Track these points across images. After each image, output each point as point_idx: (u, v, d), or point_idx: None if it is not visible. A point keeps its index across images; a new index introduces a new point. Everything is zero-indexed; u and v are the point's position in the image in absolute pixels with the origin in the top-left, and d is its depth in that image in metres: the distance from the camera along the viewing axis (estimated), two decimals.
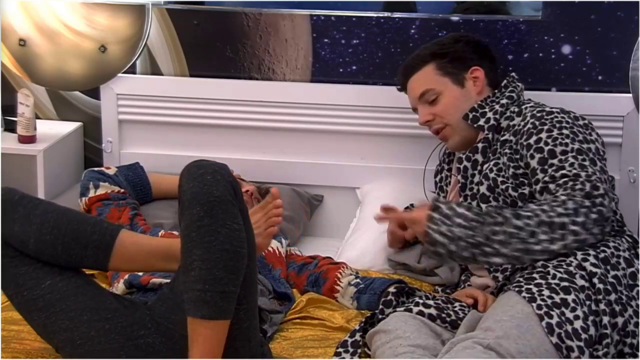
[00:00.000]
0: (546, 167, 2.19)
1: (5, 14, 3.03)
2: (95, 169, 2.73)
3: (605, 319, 1.93)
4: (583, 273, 2.00)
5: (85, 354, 1.85)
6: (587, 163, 2.17)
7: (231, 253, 1.76)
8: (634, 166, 2.86)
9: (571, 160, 2.17)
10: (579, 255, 2.05)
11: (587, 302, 1.94)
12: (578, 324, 1.89)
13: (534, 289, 1.95)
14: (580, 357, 1.84)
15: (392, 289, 2.23)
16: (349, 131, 3.00)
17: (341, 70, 3.00)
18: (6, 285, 1.89)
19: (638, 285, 2.05)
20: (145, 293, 2.14)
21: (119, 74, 3.05)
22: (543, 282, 1.98)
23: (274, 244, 2.56)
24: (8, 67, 3.09)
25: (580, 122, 2.31)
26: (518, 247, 2.06)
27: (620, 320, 1.95)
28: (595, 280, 1.98)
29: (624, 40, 2.83)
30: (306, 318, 2.33)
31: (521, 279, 2.03)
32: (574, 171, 2.14)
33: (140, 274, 2.11)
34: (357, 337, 2.15)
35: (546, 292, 1.94)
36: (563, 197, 2.09)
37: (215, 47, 3.04)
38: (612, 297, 1.97)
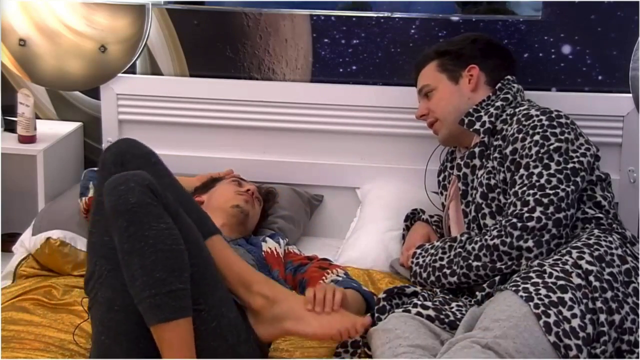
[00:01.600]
0: (511, 182, 2.30)
1: (5, 14, 3.03)
2: (95, 169, 2.72)
3: (603, 317, 1.93)
4: (579, 271, 2.00)
5: (113, 322, 1.85)
6: (537, 171, 2.24)
7: (166, 252, 1.77)
8: (634, 166, 2.85)
9: (522, 172, 2.26)
10: (574, 254, 2.06)
11: (584, 301, 1.94)
12: (575, 322, 1.89)
13: (531, 288, 1.96)
14: (578, 356, 1.85)
15: (382, 295, 2.24)
16: (349, 131, 3.00)
17: (341, 70, 3.00)
18: (95, 223, 1.92)
19: (633, 282, 2.05)
20: None
21: (119, 74, 3.05)
22: (540, 281, 1.98)
23: (272, 244, 2.55)
24: (8, 67, 3.09)
25: (562, 121, 2.33)
26: (467, 269, 2.28)
27: (617, 317, 1.96)
28: (591, 278, 1.99)
29: (624, 40, 2.83)
30: None
31: (518, 279, 2.03)
32: (516, 189, 2.25)
33: None
34: (357, 337, 2.15)
35: (543, 291, 1.94)
36: (499, 219, 2.27)
37: (215, 47, 3.04)
38: (609, 294, 1.98)
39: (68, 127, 3.15)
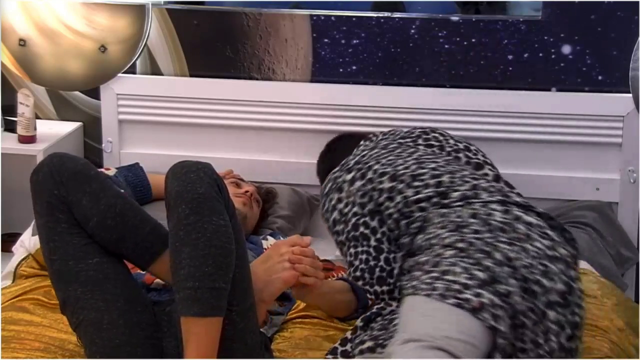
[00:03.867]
0: None
1: (5, 14, 3.03)
2: None
3: (486, 262, 1.89)
4: (447, 247, 1.97)
5: (106, 340, 1.85)
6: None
7: (219, 249, 1.76)
8: (634, 166, 2.85)
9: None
10: (434, 241, 2.03)
11: (462, 257, 1.91)
12: (463, 276, 1.85)
13: (414, 282, 1.92)
14: (482, 300, 1.81)
15: (359, 323, 2.16)
16: (348, 131, 2.99)
17: (341, 70, 3.00)
18: (54, 250, 1.88)
19: (490, 224, 2.01)
20: (148, 293, 2.14)
21: (119, 74, 3.05)
22: (418, 272, 1.95)
23: (273, 242, 2.55)
24: (8, 67, 3.09)
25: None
26: None
27: (498, 254, 1.91)
28: (458, 244, 1.95)
29: (624, 40, 2.83)
30: (307, 317, 2.32)
31: (405, 282, 2.00)
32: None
33: (143, 272, 2.11)
34: (348, 347, 2.13)
35: (424, 277, 1.91)
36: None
37: (215, 47, 3.04)
38: (479, 244, 1.94)
39: (68, 127, 3.15)
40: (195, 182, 1.79)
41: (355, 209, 2.26)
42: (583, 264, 2.47)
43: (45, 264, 1.92)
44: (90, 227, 1.87)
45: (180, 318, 1.77)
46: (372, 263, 2.19)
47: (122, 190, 2.45)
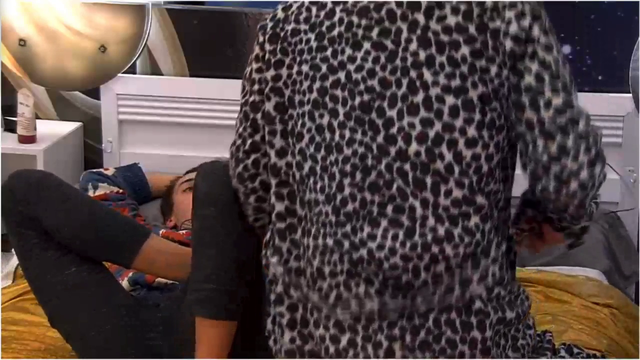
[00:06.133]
0: None
1: (5, 14, 3.03)
2: (94, 170, 2.72)
3: None
4: None
5: (96, 345, 1.86)
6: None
7: (242, 253, 1.75)
8: (634, 166, 2.85)
9: None
10: None
11: None
12: None
13: None
14: None
15: None
16: None
17: None
18: (30, 267, 1.89)
19: None
20: (150, 291, 2.13)
21: (119, 74, 3.05)
22: None
23: None
24: (8, 67, 3.09)
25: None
26: None
27: None
28: None
29: (624, 40, 2.83)
30: None
31: None
32: None
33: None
34: None
35: None
36: None
37: (215, 47, 3.04)
38: None
39: (68, 127, 3.15)
40: (225, 185, 1.74)
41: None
42: (591, 272, 2.46)
43: (27, 283, 1.94)
44: (62, 237, 1.86)
45: (192, 318, 1.76)
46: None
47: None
